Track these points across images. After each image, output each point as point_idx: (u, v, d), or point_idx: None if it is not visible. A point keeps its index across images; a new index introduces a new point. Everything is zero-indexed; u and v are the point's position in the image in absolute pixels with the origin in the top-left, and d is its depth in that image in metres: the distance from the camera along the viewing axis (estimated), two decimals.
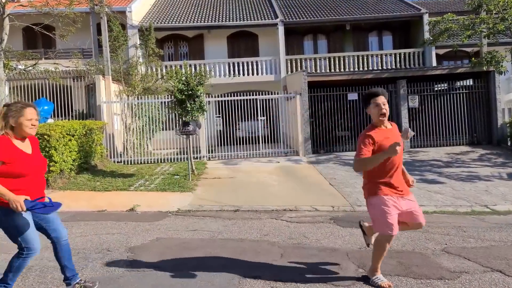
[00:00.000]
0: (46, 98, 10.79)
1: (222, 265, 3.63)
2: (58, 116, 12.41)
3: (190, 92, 8.67)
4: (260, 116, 12.38)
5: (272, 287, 3.13)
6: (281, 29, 16.49)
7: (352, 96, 12.52)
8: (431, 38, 12.24)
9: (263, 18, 16.91)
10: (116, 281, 3.28)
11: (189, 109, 8.67)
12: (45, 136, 7.51)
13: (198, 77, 8.88)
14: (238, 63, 16.54)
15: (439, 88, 12.89)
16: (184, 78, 8.74)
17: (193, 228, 5.24)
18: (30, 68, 10.37)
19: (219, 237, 4.76)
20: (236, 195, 7.66)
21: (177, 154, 11.99)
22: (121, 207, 6.73)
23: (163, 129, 13.36)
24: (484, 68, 11.39)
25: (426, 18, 16.26)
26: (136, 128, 12.73)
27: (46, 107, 8.41)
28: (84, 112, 13.32)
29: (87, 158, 9.60)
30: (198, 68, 15.28)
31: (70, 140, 8.42)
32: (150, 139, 13.35)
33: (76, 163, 8.82)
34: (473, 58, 11.63)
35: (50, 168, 7.66)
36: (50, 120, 8.67)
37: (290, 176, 9.45)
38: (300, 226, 5.38)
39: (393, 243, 4.45)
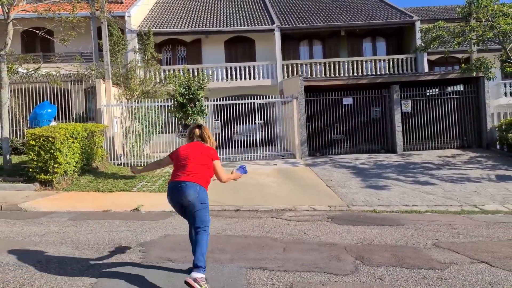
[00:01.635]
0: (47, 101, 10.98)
1: (229, 258, 3.89)
2: (58, 120, 12.58)
3: (191, 96, 8.93)
4: (258, 120, 12.66)
5: (278, 276, 3.40)
6: (277, 35, 16.83)
7: (347, 100, 12.87)
8: (423, 45, 12.65)
9: (260, 24, 17.26)
10: (132, 270, 3.52)
11: (190, 112, 8.93)
12: (50, 139, 7.71)
13: (199, 81, 9.14)
14: (235, 68, 16.83)
15: (431, 93, 13.29)
16: (185, 82, 9.00)
17: None
18: (32, 72, 10.56)
19: (224, 234, 5.02)
20: (236, 196, 7.91)
21: None
22: (125, 207, 6.95)
23: (161, 132, 13.55)
24: (474, 74, 11.81)
25: (418, 25, 16.72)
26: (135, 131, 12.94)
27: (49, 110, 8.61)
28: (84, 115, 13.51)
29: (89, 160, 9.79)
30: (196, 72, 15.57)
31: (73, 142, 8.62)
32: (148, 142, 13.54)
33: (79, 165, 9.01)
34: (463, 65, 12.04)
35: (55, 170, 7.87)
36: (53, 123, 8.86)
37: (287, 178, 9.72)
38: (299, 224, 5.65)
39: (387, 239, 4.76)
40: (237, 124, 13.33)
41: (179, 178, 3.38)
